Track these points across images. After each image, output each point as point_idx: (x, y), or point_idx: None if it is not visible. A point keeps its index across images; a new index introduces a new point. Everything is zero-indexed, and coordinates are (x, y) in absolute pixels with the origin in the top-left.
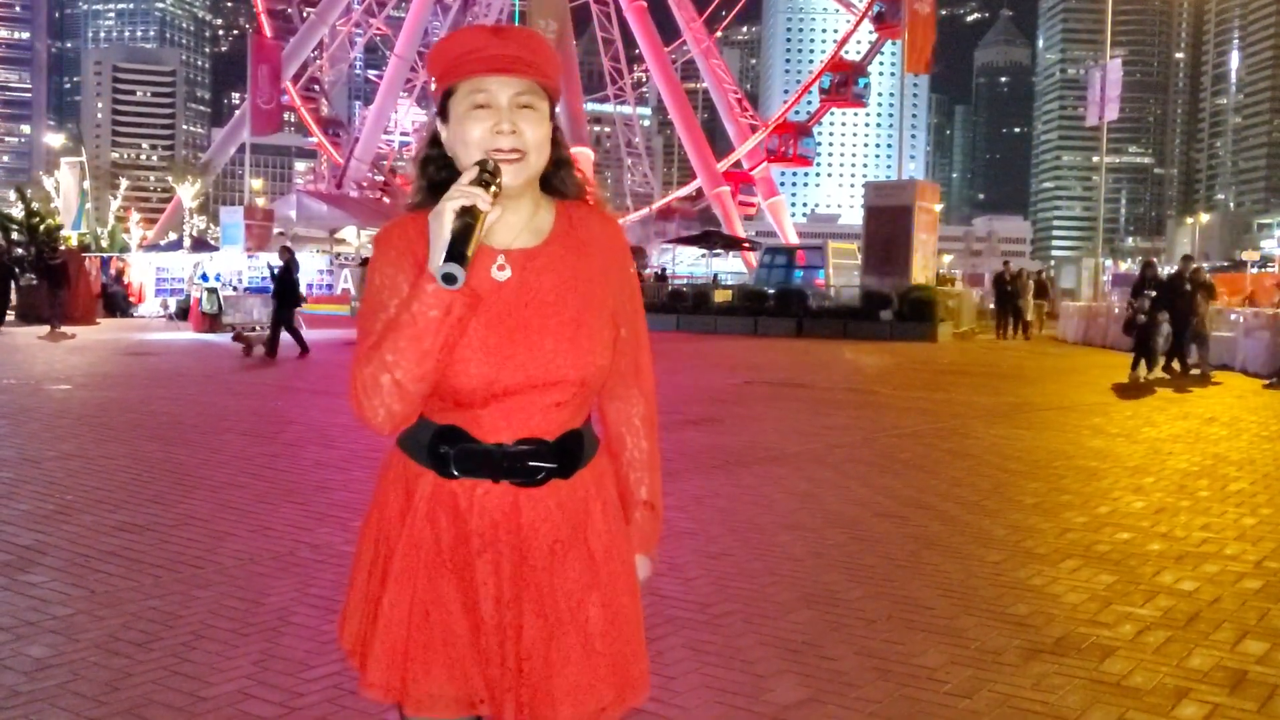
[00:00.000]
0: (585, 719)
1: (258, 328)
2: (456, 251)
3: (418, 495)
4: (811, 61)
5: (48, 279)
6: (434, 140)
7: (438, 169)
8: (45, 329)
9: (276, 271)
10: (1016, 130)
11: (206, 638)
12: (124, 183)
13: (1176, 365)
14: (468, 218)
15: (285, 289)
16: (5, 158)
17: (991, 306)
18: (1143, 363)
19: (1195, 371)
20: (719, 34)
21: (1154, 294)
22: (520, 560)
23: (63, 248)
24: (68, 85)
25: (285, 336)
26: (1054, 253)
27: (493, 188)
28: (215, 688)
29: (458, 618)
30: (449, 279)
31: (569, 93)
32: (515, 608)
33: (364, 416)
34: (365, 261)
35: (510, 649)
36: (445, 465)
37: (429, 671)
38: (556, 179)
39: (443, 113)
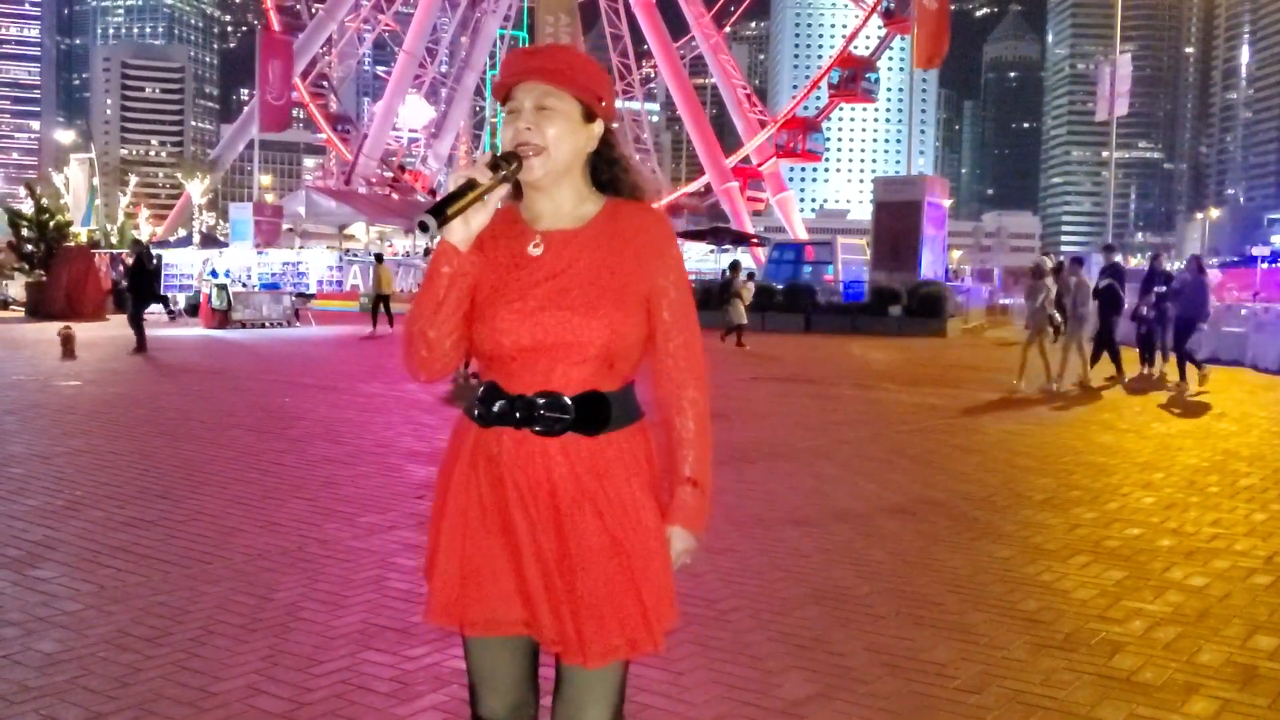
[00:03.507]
0: (602, 655)
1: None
2: (437, 206)
3: (465, 446)
4: (820, 57)
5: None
6: None
7: None
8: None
9: (129, 266)
10: (1026, 125)
11: (215, 633)
12: (133, 179)
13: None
14: (466, 186)
15: (137, 284)
16: (15, 154)
17: (1002, 303)
18: (1158, 358)
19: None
20: (727, 29)
21: (1163, 289)
22: (549, 504)
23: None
24: (77, 82)
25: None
26: (1063, 248)
27: (502, 171)
28: (224, 683)
29: (499, 553)
30: (422, 226)
31: None
32: (549, 546)
33: (404, 364)
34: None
35: (546, 583)
36: (483, 416)
37: (480, 599)
38: (607, 176)
39: None
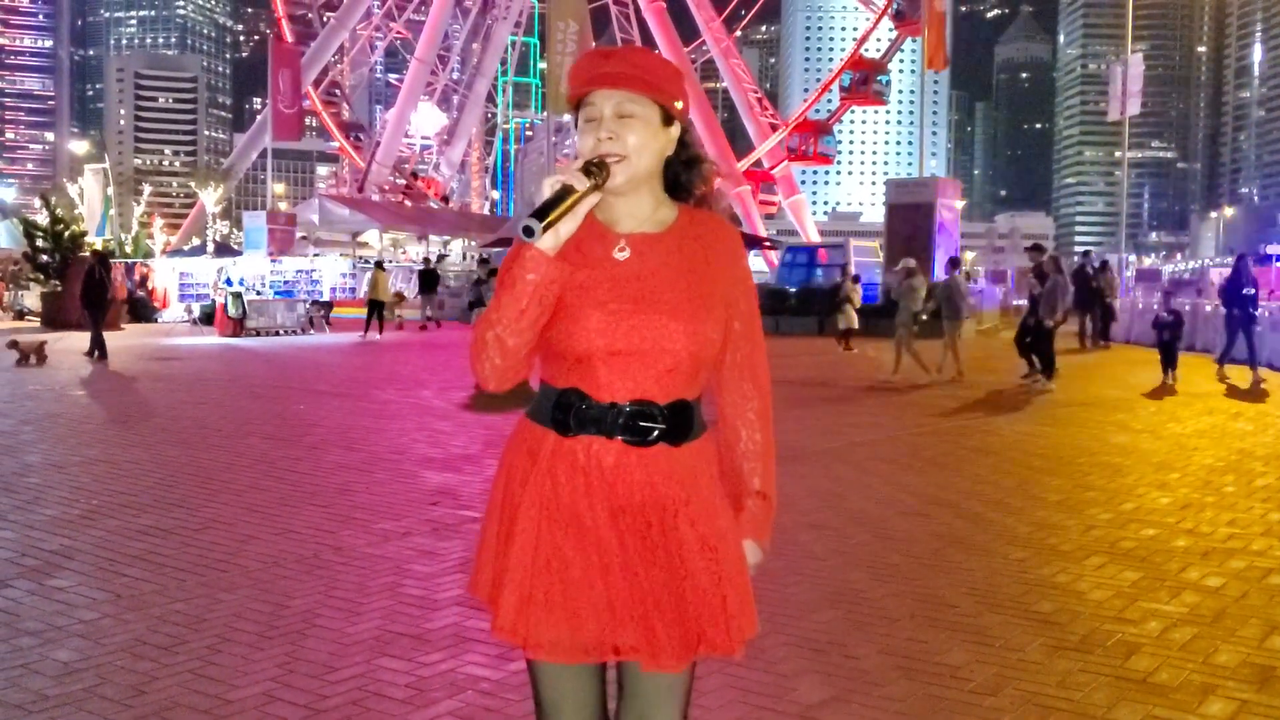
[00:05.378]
0: (681, 660)
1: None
2: (540, 211)
3: (541, 454)
4: (831, 60)
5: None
6: None
7: None
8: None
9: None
10: (1038, 126)
11: (231, 641)
12: (147, 189)
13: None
14: (562, 192)
15: (91, 291)
16: (30, 165)
17: (1017, 303)
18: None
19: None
20: (738, 33)
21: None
22: (639, 514)
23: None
24: (90, 92)
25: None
26: (1077, 248)
27: (594, 179)
28: (240, 691)
29: (576, 567)
30: (527, 231)
31: None
32: (637, 555)
33: (473, 368)
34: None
35: (632, 593)
36: (565, 424)
37: (550, 617)
38: (684, 178)
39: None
